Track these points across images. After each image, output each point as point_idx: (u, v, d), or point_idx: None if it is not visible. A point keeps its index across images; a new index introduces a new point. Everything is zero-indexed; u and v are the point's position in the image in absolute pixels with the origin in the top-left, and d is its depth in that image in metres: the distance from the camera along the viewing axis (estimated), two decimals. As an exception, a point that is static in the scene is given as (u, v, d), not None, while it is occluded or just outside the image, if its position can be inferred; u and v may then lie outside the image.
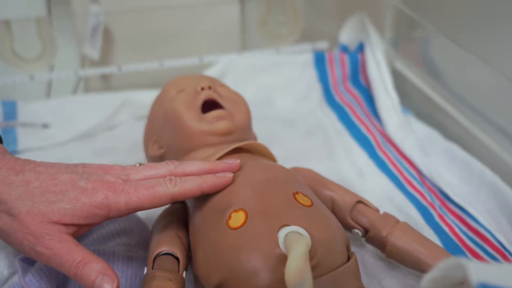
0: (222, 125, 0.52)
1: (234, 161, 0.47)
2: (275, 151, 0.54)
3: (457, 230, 0.55)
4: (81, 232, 0.43)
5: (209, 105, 0.54)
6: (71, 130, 0.71)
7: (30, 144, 0.69)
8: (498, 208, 0.56)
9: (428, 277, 0.30)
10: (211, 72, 0.76)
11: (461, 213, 0.56)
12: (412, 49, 0.77)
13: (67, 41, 0.78)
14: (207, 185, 0.45)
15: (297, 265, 0.35)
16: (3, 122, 0.70)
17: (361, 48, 0.80)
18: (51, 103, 0.75)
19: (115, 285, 0.39)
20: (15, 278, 0.49)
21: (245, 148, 0.51)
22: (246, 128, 0.55)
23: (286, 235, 0.39)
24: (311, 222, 0.42)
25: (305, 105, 0.78)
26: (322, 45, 0.83)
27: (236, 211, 0.43)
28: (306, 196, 0.45)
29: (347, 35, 0.82)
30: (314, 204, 0.44)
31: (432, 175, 0.61)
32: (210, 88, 0.55)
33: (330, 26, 0.87)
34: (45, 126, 0.72)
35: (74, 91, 0.80)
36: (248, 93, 0.75)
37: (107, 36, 0.78)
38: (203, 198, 0.46)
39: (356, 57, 0.80)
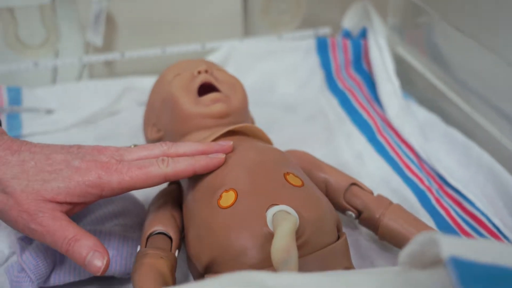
0: (218, 107, 0.52)
1: (227, 143, 0.47)
2: (275, 136, 0.54)
3: (453, 213, 0.54)
4: (75, 210, 0.44)
5: (206, 89, 0.54)
6: (74, 116, 0.72)
7: (34, 129, 0.70)
8: (496, 192, 0.56)
9: (405, 251, 0.29)
10: (213, 59, 0.76)
11: (458, 197, 0.56)
12: (416, 35, 0.76)
13: (71, 27, 0.78)
14: (200, 166, 0.45)
15: (283, 242, 0.36)
16: (8, 108, 0.71)
17: (364, 34, 0.79)
18: (56, 89, 0.75)
19: (105, 261, 0.40)
20: (16, 257, 0.50)
21: (241, 131, 0.52)
22: (242, 111, 0.55)
23: (274, 214, 0.40)
24: (301, 202, 0.42)
25: (307, 91, 0.78)
26: (325, 31, 0.83)
27: (226, 191, 0.43)
28: (297, 176, 0.45)
29: (350, 21, 0.81)
30: (304, 185, 0.44)
31: (430, 159, 0.61)
32: (206, 71, 0.55)
33: (332, 12, 0.86)
34: (49, 111, 0.73)
35: (79, 77, 0.81)
36: (250, 80, 0.75)
37: (110, 23, 0.78)
38: (196, 178, 0.46)
39: (358, 43, 0.79)
